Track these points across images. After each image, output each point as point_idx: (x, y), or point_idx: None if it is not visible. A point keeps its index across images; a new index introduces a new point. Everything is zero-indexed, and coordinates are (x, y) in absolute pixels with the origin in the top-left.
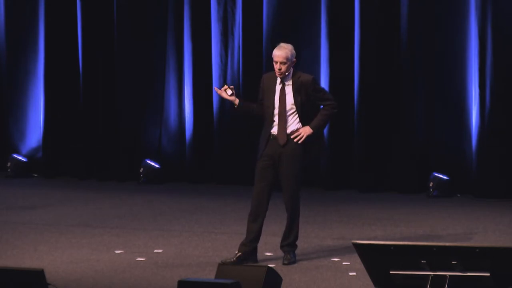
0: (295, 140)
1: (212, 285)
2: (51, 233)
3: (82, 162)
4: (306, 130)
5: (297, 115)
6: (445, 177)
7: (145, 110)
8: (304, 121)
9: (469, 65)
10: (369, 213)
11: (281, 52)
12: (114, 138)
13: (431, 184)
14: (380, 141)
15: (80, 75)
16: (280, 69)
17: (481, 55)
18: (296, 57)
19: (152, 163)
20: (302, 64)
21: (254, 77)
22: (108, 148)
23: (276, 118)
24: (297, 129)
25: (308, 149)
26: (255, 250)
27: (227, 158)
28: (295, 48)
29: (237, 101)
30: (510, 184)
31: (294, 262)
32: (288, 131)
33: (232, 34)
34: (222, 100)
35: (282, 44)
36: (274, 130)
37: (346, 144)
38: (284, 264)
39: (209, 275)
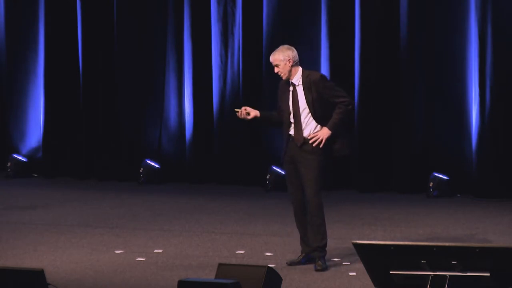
0: (314, 144)
1: (212, 285)
2: (51, 233)
3: (82, 162)
4: (324, 133)
5: (310, 114)
6: (445, 177)
7: (145, 110)
8: (320, 120)
9: (469, 65)
10: (369, 213)
11: (273, 56)
12: (114, 138)
13: (431, 184)
14: (380, 141)
15: (80, 75)
16: (278, 72)
17: (481, 55)
18: (296, 55)
19: (152, 163)
20: (302, 64)
21: (254, 77)
22: (108, 148)
23: (292, 120)
24: (315, 132)
25: (330, 148)
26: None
27: (227, 158)
28: (295, 48)
29: (258, 114)
30: (510, 184)
31: (326, 268)
32: (306, 132)
33: (232, 34)
34: (222, 100)
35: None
36: (292, 132)
37: None
38: (317, 270)
39: (209, 275)
